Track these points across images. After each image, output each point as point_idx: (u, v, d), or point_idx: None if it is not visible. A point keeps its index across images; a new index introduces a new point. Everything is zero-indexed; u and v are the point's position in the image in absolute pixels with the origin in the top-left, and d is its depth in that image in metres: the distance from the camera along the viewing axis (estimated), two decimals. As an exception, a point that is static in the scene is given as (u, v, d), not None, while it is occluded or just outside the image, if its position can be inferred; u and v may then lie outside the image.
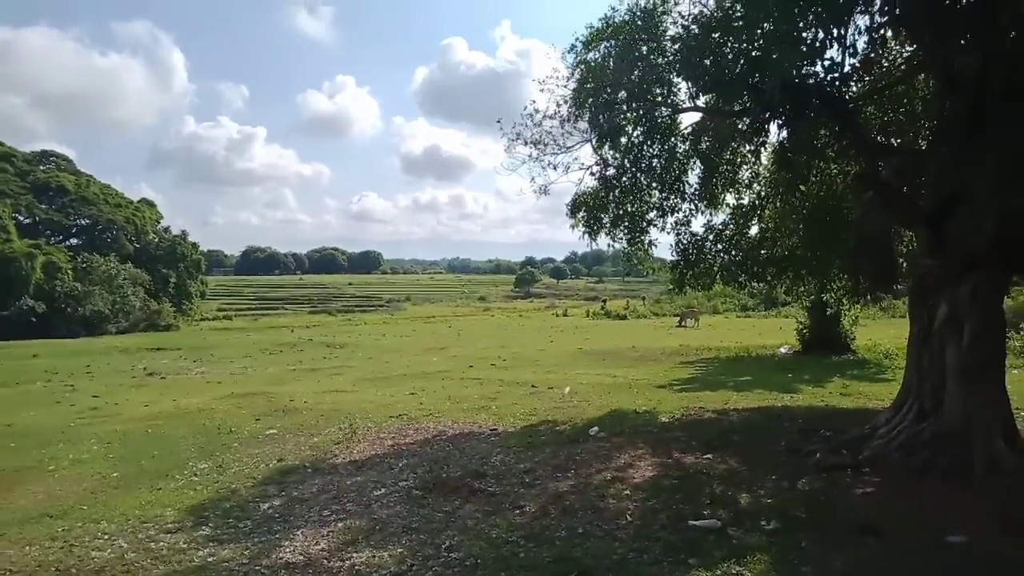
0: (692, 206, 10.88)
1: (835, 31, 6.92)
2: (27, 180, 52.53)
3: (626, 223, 10.82)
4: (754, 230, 11.34)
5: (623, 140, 10.21)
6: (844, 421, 9.27)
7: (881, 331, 21.99)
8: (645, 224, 10.87)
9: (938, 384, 7.11)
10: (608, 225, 10.88)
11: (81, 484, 7.48)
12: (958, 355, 6.91)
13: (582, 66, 9.74)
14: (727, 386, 13.52)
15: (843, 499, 6.18)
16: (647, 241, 11.01)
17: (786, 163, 8.70)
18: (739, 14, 7.71)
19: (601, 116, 9.56)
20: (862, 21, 7.34)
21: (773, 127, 8.16)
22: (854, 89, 8.92)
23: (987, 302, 7.01)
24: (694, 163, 10.67)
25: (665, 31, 8.99)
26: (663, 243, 11.30)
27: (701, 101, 9.49)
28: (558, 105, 10.18)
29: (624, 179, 10.43)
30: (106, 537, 5.80)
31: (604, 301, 64.13)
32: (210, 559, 5.28)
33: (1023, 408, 9.22)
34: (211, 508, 6.53)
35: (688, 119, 10.34)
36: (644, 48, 9.02)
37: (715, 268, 10.98)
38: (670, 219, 10.89)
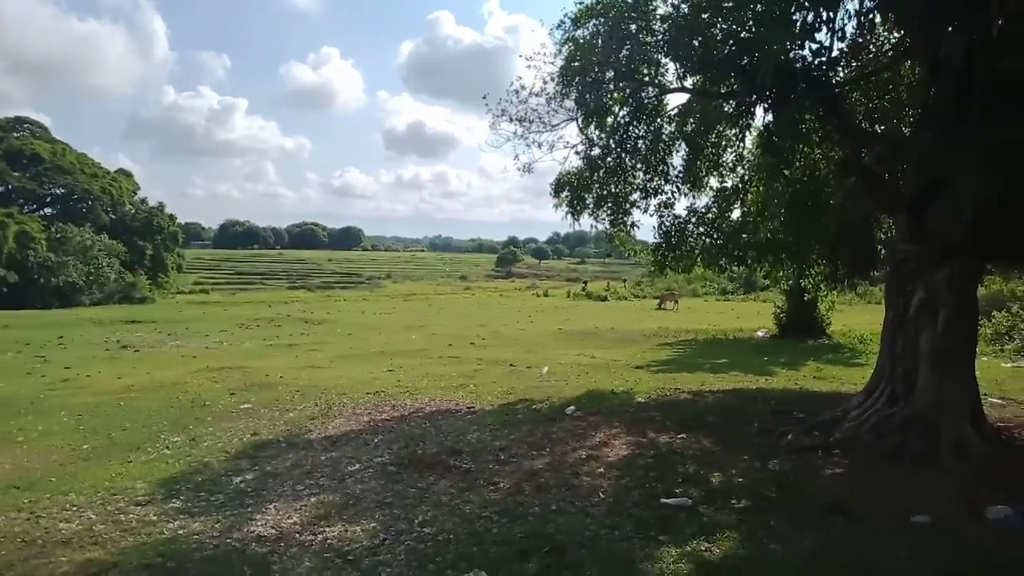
0: (676, 188, 10.82)
1: (825, 13, 6.87)
2: (0, 147, 50.96)
3: (609, 204, 10.81)
4: (736, 214, 11.35)
5: (609, 120, 10.13)
6: (817, 404, 9.40)
7: (856, 317, 22.37)
8: (628, 205, 10.86)
9: (910, 369, 7.21)
10: (591, 206, 10.85)
11: (50, 456, 7.33)
12: (932, 340, 7.01)
13: (570, 43, 9.59)
14: (704, 368, 13.67)
15: (813, 480, 6.27)
16: (630, 223, 11.01)
17: (771, 147, 8.68)
18: (729, -6, 7.62)
19: (588, 95, 9.46)
20: (851, 5, 7.32)
21: (759, 110, 8.16)
22: (841, 74, 8.91)
23: (963, 289, 7.11)
24: (679, 145, 10.61)
25: (655, 10, 8.88)
26: (646, 225, 11.32)
27: (689, 82, 9.39)
28: (545, 82, 10.07)
29: (609, 159, 10.37)
30: (74, 509, 5.70)
31: (585, 282, 64.43)
32: (180, 531, 5.21)
33: (991, 393, 9.45)
34: (183, 481, 6.44)
35: (675, 100, 10.29)
36: (633, 27, 8.91)
37: (696, 251, 10.98)
38: (653, 201, 10.84)
